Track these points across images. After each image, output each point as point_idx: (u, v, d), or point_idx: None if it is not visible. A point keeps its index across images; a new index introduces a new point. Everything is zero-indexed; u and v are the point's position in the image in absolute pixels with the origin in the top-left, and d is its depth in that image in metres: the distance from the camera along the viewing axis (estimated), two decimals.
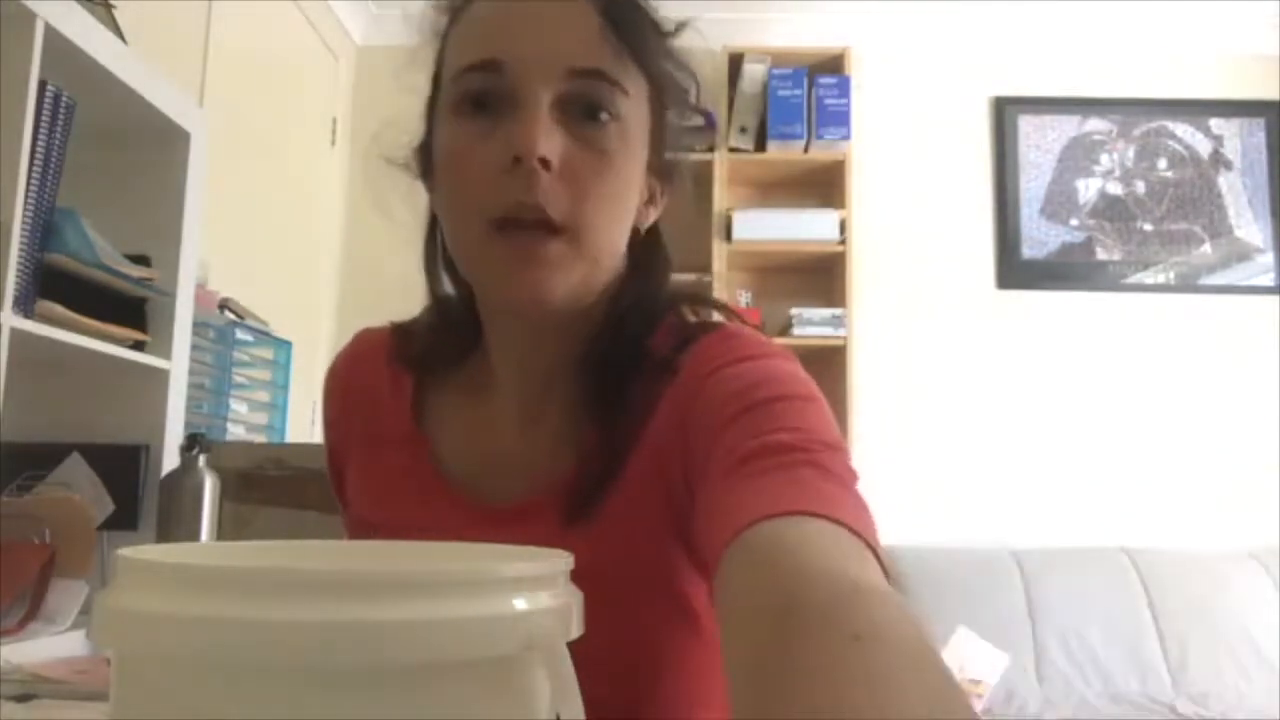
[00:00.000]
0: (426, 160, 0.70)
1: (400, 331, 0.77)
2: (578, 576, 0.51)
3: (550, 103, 0.61)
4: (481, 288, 0.68)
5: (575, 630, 0.42)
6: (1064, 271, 3.30)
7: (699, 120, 0.75)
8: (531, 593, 0.41)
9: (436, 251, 0.73)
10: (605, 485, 0.64)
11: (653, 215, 0.71)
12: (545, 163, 0.59)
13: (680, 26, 0.68)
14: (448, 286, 0.75)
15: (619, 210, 0.64)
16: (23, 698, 0.86)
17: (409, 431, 0.73)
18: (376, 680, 0.37)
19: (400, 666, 0.37)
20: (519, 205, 0.60)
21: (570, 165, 0.61)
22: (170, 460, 1.63)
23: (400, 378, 0.75)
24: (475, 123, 0.62)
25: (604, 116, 0.62)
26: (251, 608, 0.37)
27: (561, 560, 0.45)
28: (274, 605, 0.37)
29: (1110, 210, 3.33)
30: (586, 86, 0.61)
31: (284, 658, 0.37)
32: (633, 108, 0.64)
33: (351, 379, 0.80)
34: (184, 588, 0.38)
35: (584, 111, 0.62)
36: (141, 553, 0.43)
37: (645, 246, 0.70)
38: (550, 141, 0.59)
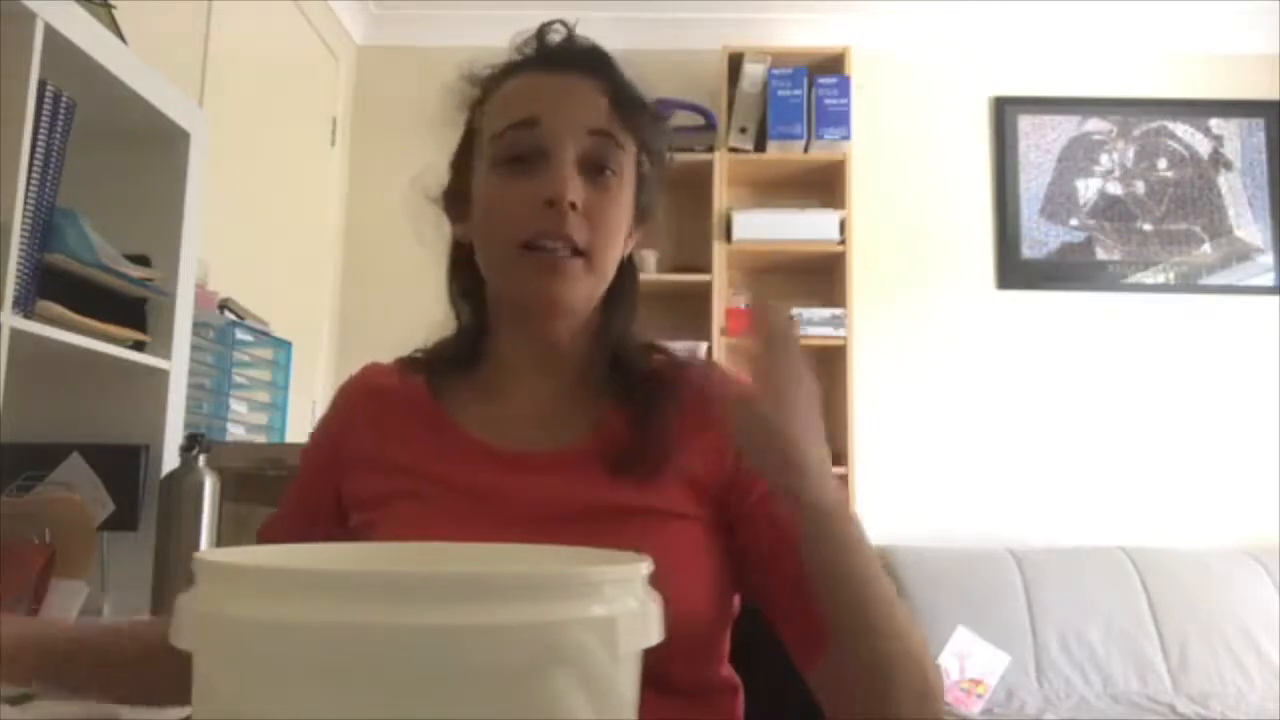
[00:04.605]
0: (454, 203, 0.89)
1: (406, 357, 0.92)
2: (628, 512, 0.78)
3: (573, 159, 0.80)
4: (511, 294, 0.85)
5: (623, 644, 0.41)
6: (1064, 271, 3.30)
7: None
8: (603, 599, 0.40)
9: (457, 282, 0.92)
10: (656, 445, 0.81)
11: (630, 246, 0.90)
12: (573, 205, 0.79)
13: (666, 118, 0.91)
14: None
15: (617, 239, 0.85)
16: (19, 699, 0.86)
17: (426, 403, 0.87)
18: (442, 683, 0.37)
19: (473, 669, 0.37)
20: (549, 231, 0.79)
21: (587, 205, 0.81)
22: (170, 460, 1.63)
23: (412, 379, 0.89)
24: (513, 172, 0.81)
25: (609, 171, 0.83)
26: (328, 610, 0.37)
27: (632, 568, 0.44)
28: (350, 608, 0.37)
29: (1110, 210, 3.33)
30: (599, 144, 0.82)
31: (354, 661, 0.37)
32: (627, 163, 0.84)
33: (365, 383, 0.93)
34: (267, 592, 0.39)
35: (595, 167, 0.82)
36: (223, 556, 0.43)
37: (622, 271, 0.89)
38: (575, 187, 0.80)
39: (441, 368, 0.89)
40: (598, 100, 0.82)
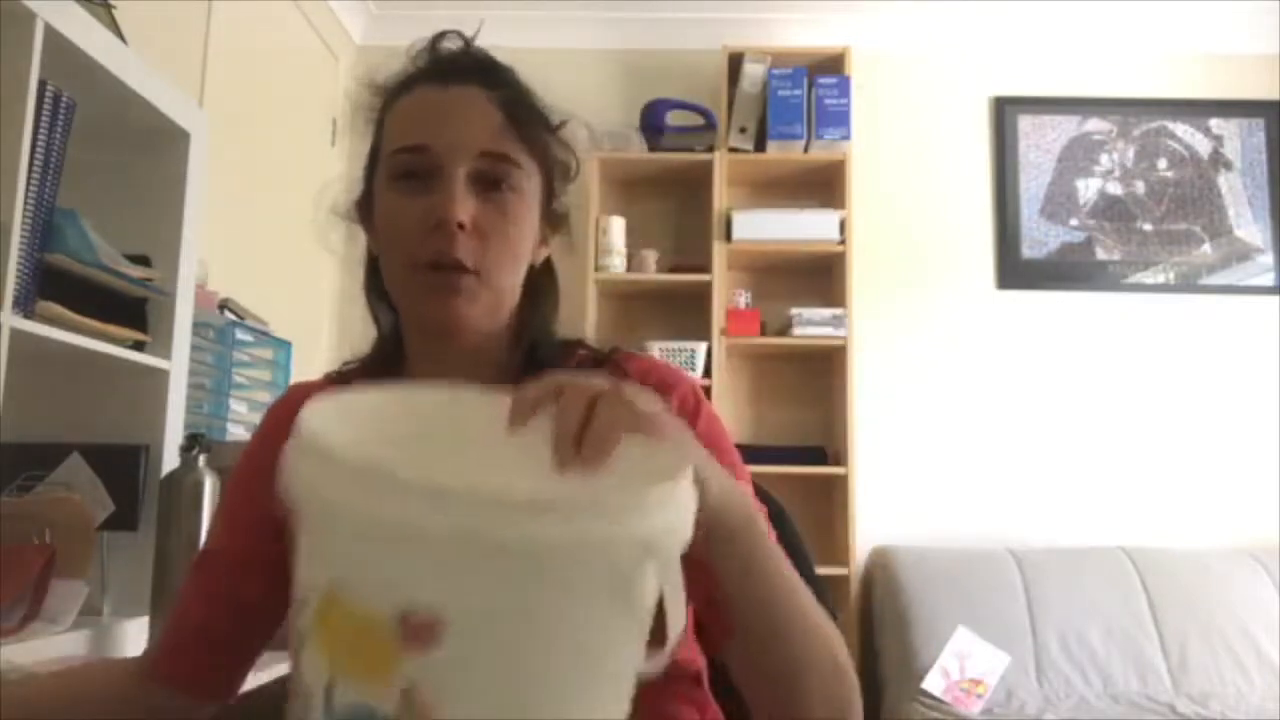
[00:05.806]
0: (366, 212, 0.89)
1: (334, 372, 0.93)
2: None
3: (465, 176, 0.80)
4: (409, 313, 0.86)
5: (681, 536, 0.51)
6: (1064, 271, 3.30)
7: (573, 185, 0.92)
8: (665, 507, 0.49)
9: (375, 287, 0.93)
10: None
11: (544, 253, 0.90)
12: (461, 225, 0.78)
13: (563, 123, 0.88)
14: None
15: (515, 254, 0.83)
16: None
17: None
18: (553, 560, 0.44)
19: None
20: (440, 254, 0.79)
21: (479, 223, 0.80)
22: (170, 460, 1.63)
23: None
24: (407, 189, 0.81)
25: (505, 188, 0.81)
26: (439, 522, 0.43)
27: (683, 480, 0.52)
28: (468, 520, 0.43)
29: (1110, 210, 3.33)
30: (492, 164, 0.81)
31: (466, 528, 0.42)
32: (526, 178, 0.83)
33: (294, 403, 0.91)
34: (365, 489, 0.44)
35: (490, 183, 0.81)
36: (324, 423, 0.49)
37: (541, 275, 0.89)
38: (465, 207, 0.79)
39: (368, 381, 0.88)
40: (490, 117, 0.81)
